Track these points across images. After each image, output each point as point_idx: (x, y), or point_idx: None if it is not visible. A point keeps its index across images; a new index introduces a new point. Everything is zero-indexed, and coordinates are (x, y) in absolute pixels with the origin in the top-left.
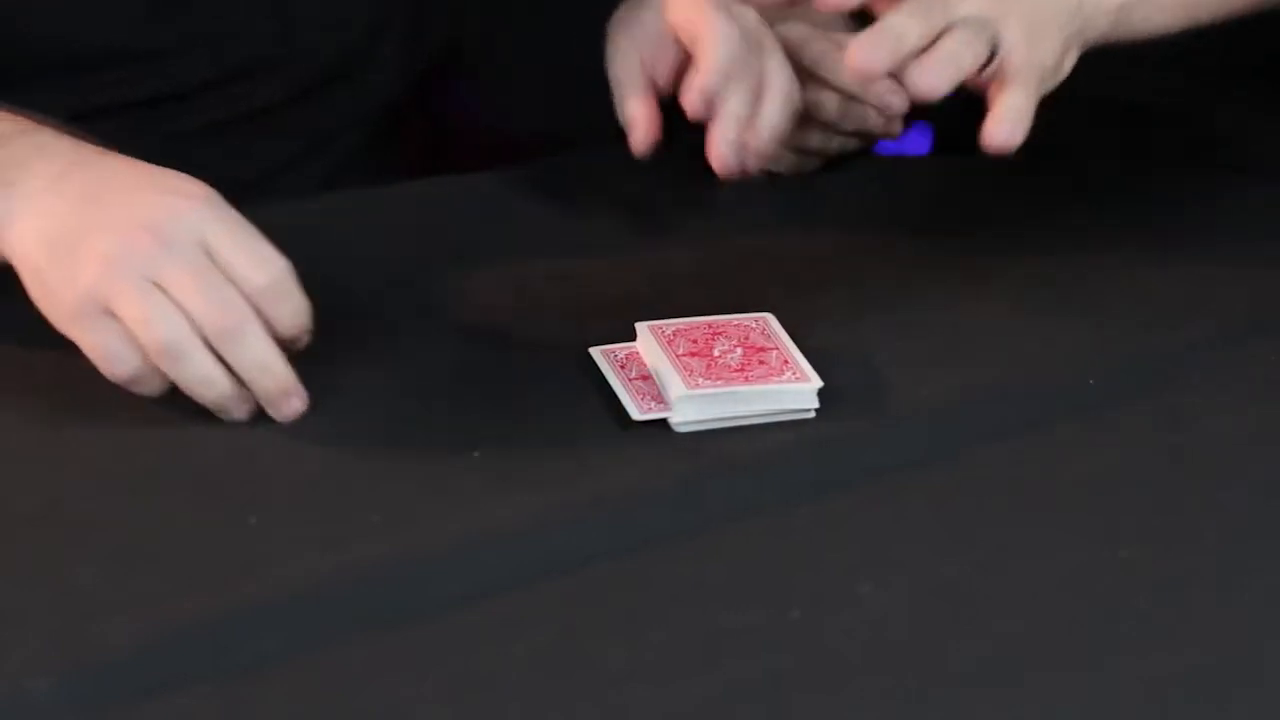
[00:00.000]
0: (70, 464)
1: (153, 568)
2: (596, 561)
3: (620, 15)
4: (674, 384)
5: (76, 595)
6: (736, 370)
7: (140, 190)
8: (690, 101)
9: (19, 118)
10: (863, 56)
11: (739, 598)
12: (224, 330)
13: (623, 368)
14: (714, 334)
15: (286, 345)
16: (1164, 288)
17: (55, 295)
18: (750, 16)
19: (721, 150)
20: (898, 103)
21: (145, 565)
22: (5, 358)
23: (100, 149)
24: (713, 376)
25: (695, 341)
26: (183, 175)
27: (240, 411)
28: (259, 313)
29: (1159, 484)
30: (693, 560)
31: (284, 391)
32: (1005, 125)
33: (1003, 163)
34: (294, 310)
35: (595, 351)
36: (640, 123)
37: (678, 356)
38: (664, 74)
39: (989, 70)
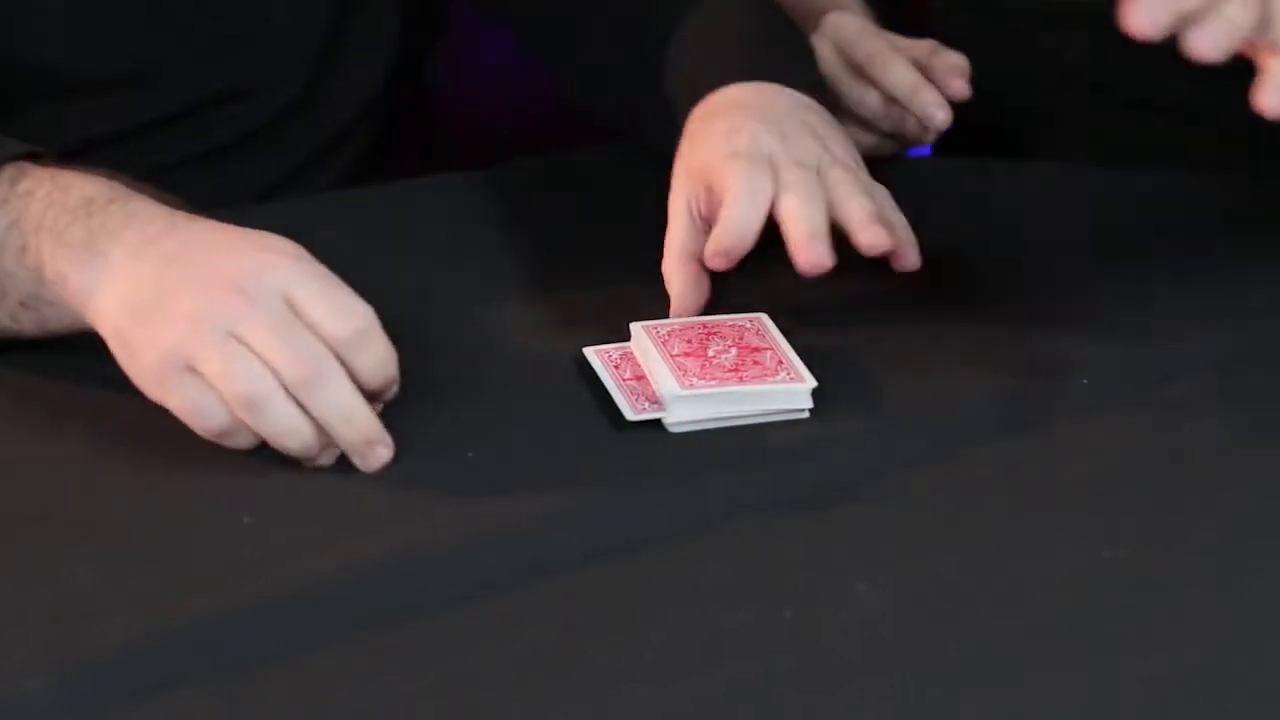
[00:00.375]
0: (68, 464)
1: (150, 568)
2: (593, 562)
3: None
4: (667, 384)
5: (74, 595)
6: (731, 370)
7: (224, 250)
8: (711, 263)
9: (115, 182)
10: (1142, 17)
11: (736, 598)
12: (304, 380)
13: (617, 368)
14: (708, 334)
15: (374, 396)
16: (1163, 288)
17: (140, 357)
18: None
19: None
20: (941, 118)
21: (142, 565)
22: (4, 360)
23: (191, 215)
24: (707, 376)
25: (690, 341)
26: (270, 234)
27: (327, 459)
28: (342, 363)
29: (1157, 484)
30: (689, 560)
31: (368, 441)
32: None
33: (1001, 163)
34: (379, 360)
35: (589, 352)
36: (675, 288)
37: (672, 356)
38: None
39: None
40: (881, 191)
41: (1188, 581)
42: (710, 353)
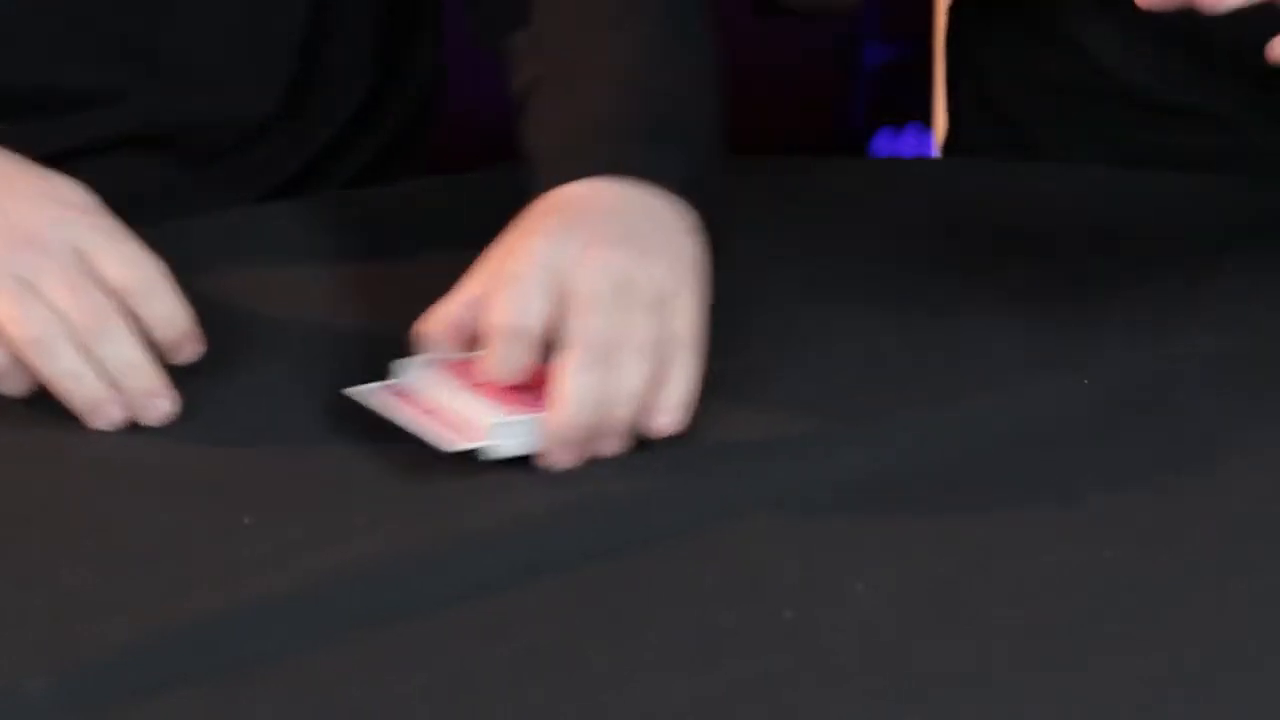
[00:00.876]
0: (66, 464)
1: (150, 567)
2: (591, 562)
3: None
4: (486, 412)
5: (73, 595)
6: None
7: (21, 198)
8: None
9: None
10: None
11: (734, 597)
12: (89, 328)
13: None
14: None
15: (168, 351)
16: (1165, 289)
17: None
18: None
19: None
20: None
21: (141, 565)
22: None
23: None
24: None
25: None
26: (66, 181)
27: (114, 413)
28: (132, 313)
29: (1158, 484)
30: (687, 560)
31: (149, 392)
32: None
33: (1001, 163)
34: (167, 312)
35: (357, 392)
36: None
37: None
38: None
39: None
40: (686, 329)
41: (1188, 581)
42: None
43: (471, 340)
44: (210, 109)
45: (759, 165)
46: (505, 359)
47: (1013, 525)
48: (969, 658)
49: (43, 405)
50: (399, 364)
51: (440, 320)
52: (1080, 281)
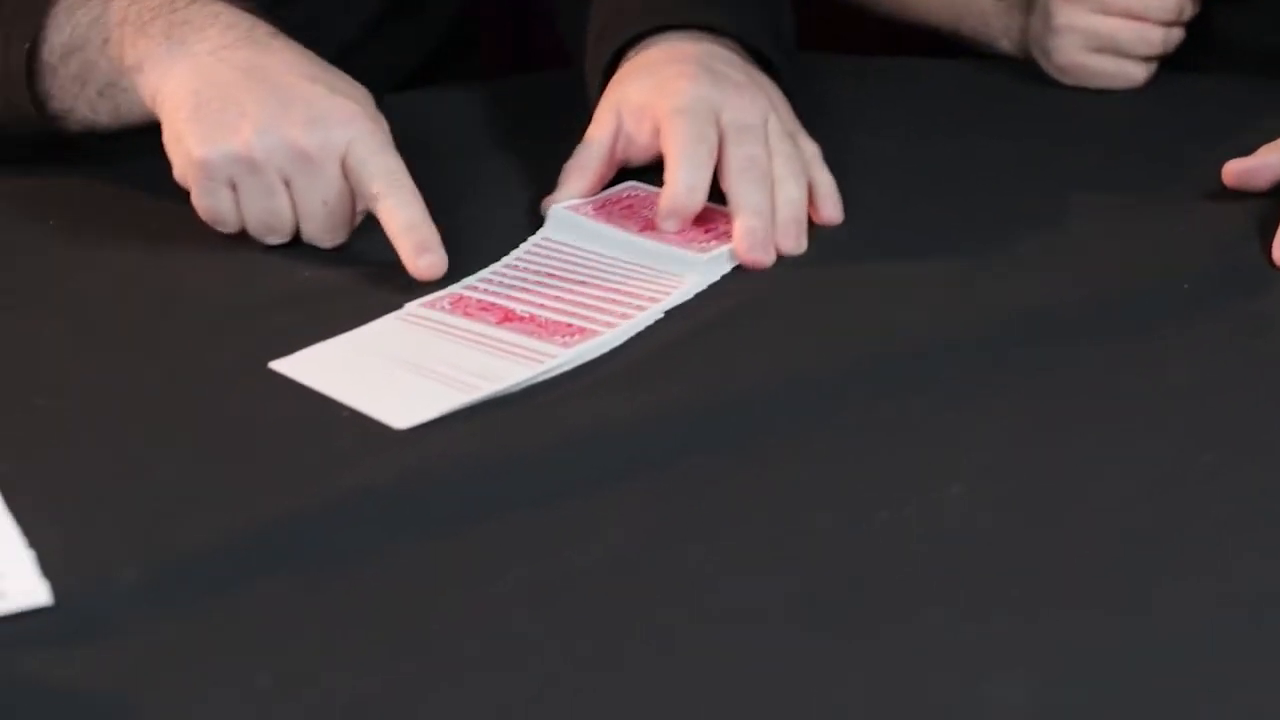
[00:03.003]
0: (159, 359)
1: (243, 461)
2: (685, 462)
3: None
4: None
5: (166, 488)
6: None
7: (303, 81)
8: (664, 225)
9: None
10: None
11: (827, 499)
12: (320, 237)
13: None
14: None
15: (410, 260)
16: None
17: (191, 149)
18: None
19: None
20: None
21: (236, 459)
22: (100, 258)
23: (272, 29)
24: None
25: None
26: (342, 77)
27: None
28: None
29: (1252, 390)
30: (780, 462)
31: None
32: None
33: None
34: (413, 217)
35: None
36: (569, 191)
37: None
38: (637, 154)
39: None
40: (812, 150)
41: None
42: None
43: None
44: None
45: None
46: (691, 181)
47: (1109, 430)
48: (1063, 563)
49: (134, 298)
50: (552, 208)
51: (593, 148)
52: (1174, 188)
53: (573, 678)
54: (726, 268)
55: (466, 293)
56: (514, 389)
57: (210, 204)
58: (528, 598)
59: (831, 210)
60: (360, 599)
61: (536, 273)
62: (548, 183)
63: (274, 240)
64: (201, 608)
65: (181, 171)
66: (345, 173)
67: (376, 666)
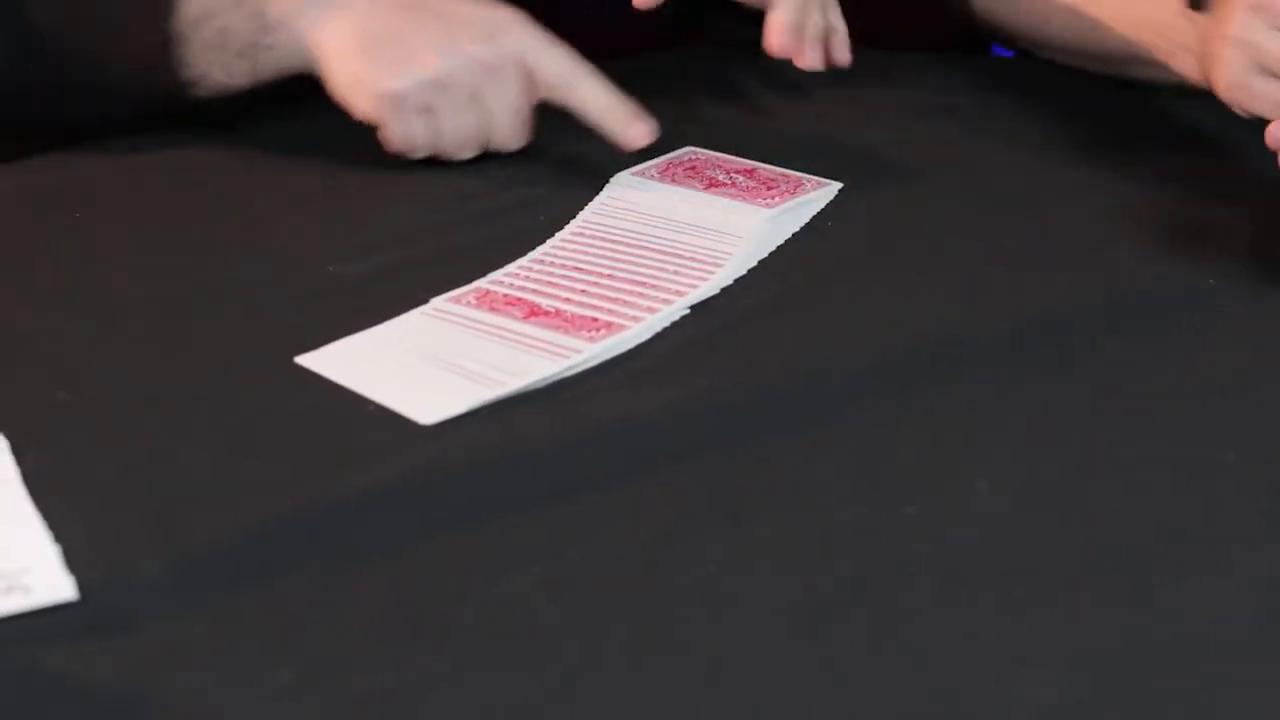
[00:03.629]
0: (184, 354)
1: (265, 454)
2: (707, 456)
3: None
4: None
5: (189, 480)
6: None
7: (456, 5)
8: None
9: None
10: None
11: (854, 492)
12: (509, 143)
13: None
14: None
15: (615, 133)
16: None
17: (370, 85)
18: None
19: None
20: None
21: (258, 452)
22: (124, 253)
23: None
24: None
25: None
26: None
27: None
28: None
29: (1273, 388)
30: (805, 455)
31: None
32: None
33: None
34: (600, 93)
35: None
36: None
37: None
38: None
39: None
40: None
41: None
42: (708, 172)
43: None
44: None
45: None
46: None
47: (1134, 426)
48: (1091, 559)
49: (158, 290)
50: (617, 175)
51: None
52: (1204, 184)
53: (594, 674)
54: (788, 231)
55: (492, 287)
56: (540, 384)
57: (405, 132)
58: (550, 593)
59: (844, 53)
60: (383, 594)
61: (562, 267)
62: (587, 168)
63: (467, 154)
64: (225, 603)
65: (369, 109)
66: (525, 74)
67: (398, 662)
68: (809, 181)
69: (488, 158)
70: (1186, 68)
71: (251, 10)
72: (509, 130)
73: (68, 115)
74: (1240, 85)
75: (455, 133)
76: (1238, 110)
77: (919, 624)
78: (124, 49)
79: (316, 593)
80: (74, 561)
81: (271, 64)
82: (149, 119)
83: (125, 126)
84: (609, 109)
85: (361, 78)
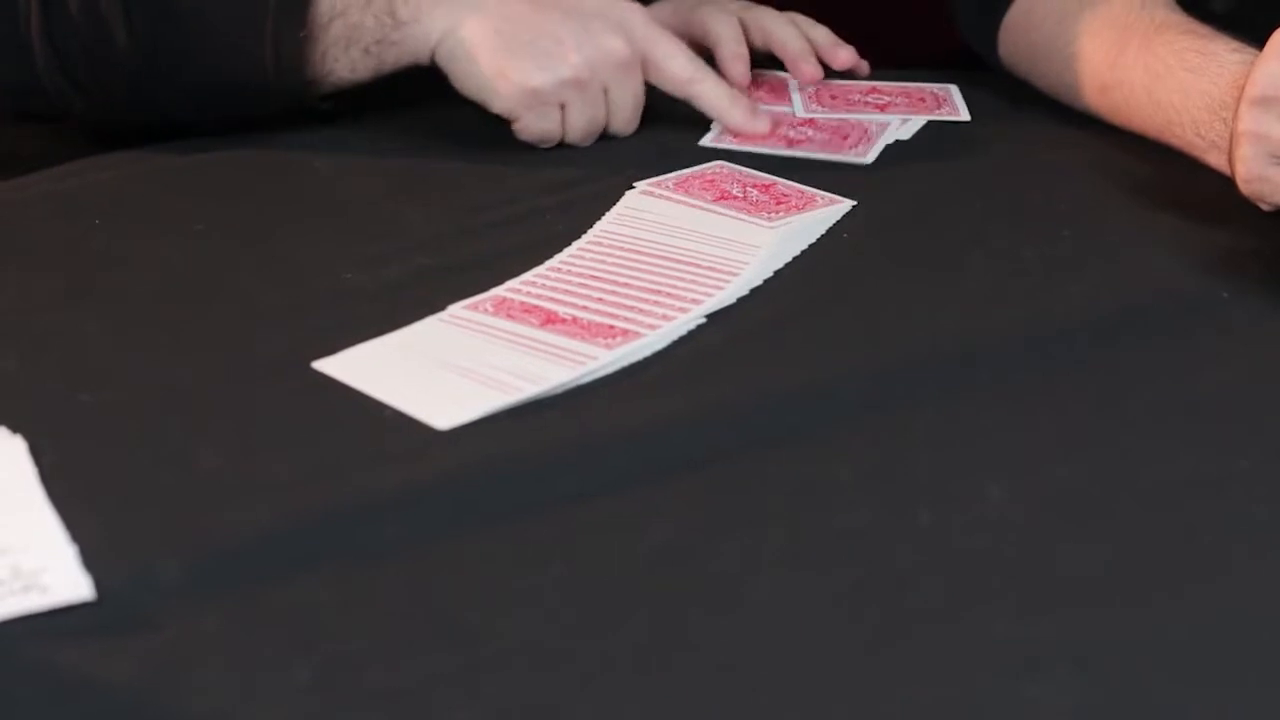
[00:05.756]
0: (202, 357)
1: (284, 455)
2: (723, 461)
3: None
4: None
5: (206, 479)
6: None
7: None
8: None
9: None
10: None
11: (866, 498)
12: (626, 131)
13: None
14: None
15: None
16: None
17: (513, 79)
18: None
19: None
20: None
21: (277, 452)
22: (143, 257)
23: None
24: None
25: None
26: None
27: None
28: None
29: None
30: (818, 460)
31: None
32: None
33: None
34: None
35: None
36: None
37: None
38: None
39: None
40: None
41: None
42: (724, 185)
43: None
44: None
45: None
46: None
47: (1148, 434)
48: (1103, 565)
49: (175, 290)
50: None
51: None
52: (1220, 196)
53: (609, 674)
54: (795, 248)
55: (509, 295)
56: (556, 390)
57: (543, 126)
58: (565, 594)
59: (846, 54)
60: (399, 594)
61: (579, 275)
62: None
63: (587, 143)
64: (242, 602)
65: (510, 103)
66: (646, 68)
67: (415, 662)
68: (822, 198)
69: (503, 164)
70: (1220, 164)
71: (382, 7)
72: (628, 120)
73: (189, 114)
74: (1259, 177)
75: (582, 124)
76: (1262, 205)
77: (931, 629)
78: (260, 50)
79: (333, 593)
80: (92, 561)
81: (393, 59)
82: (260, 119)
83: (227, 127)
84: (732, 104)
85: (507, 73)
